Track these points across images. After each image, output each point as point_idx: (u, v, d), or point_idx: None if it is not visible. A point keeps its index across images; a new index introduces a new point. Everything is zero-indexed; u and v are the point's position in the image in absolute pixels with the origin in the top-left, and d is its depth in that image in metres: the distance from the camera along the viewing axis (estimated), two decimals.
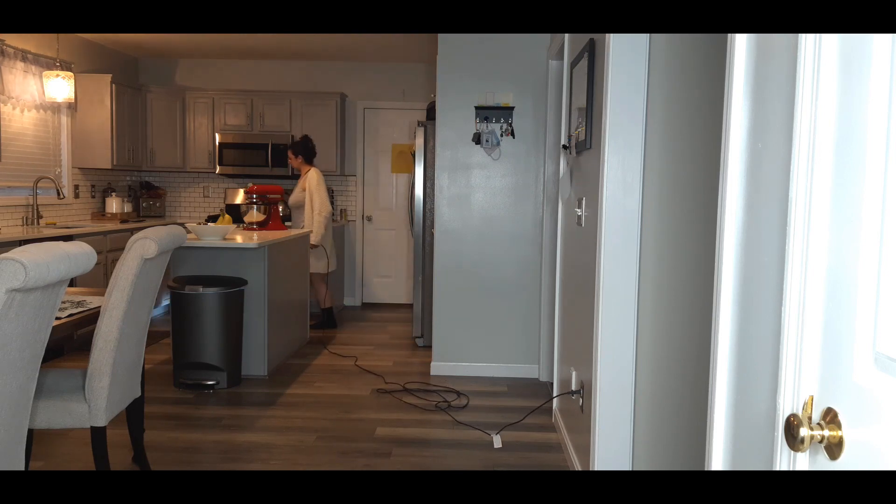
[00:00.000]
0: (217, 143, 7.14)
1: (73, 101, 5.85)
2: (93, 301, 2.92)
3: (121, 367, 2.68)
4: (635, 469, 2.67)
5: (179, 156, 7.24)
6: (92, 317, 2.69)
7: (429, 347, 5.50)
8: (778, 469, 1.12)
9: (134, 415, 3.02)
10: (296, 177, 7.42)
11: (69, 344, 5.13)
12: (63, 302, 2.87)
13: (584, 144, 2.99)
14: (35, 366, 2.16)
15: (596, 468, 2.62)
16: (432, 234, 5.15)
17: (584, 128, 2.99)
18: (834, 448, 0.94)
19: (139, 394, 2.97)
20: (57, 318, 2.52)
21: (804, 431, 0.97)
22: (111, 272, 5.63)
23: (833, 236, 0.98)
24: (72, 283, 4.88)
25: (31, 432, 3.00)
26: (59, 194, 5.58)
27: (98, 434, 2.62)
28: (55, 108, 6.18)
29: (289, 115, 7.20)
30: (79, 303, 2.88)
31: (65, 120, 6.31)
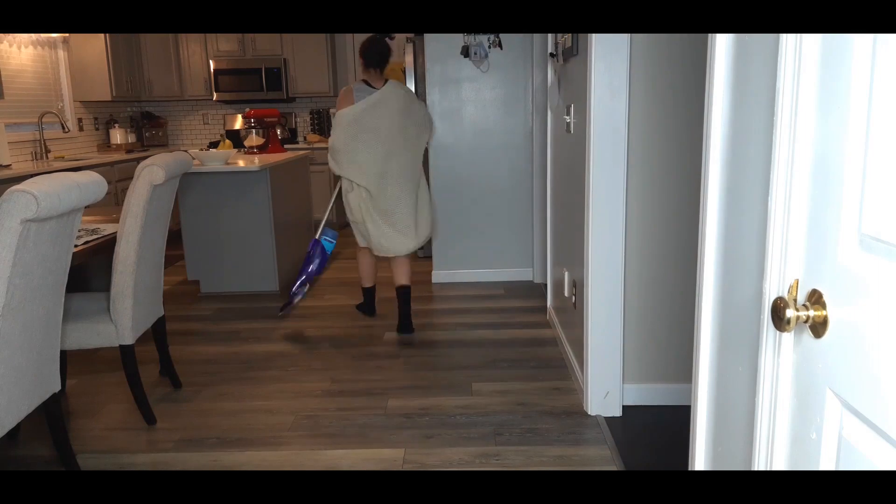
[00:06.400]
0: (212, 70, 6.92)
1: (66, 34, 5.62)
2: (106, 228, 2.90)
3: (141, 288, 2.68)
4: (626, 357, 2.73)
5: (176, 84, 7.04)
6: (107, 243, 2.68)
7: (429, 258, 5.52)
8: (762, 348, 1.13)
9: (158, 332, 3.06)
10: (291, 100, 7.25)
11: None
12: (78, 231, 2.85)
13: (570, 51, 2.89)
14: (59, 291, 2.16)
15: (589, 360, 2.68)
16: (426, 149, 5.07)
17: (570, 34, 2.88)
18: (819, 327, 0.95)
19: (161, 313, 3.00)
20: (74, 246, 2.50)
21: (790, 312, 0.97)
22: (121, 202, 5.58)
23: (820, 121, 0.95)
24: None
25: (64, 353, 3.04)
26: (63, 128, 5.45)
27: (127, 351, 2.65)
28: (51, 43, 5.95)
29: (279, 38, 6.95)
30: (93, 230, 2.86)
31: (62, 54, 6.09)
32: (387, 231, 3.56)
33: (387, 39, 3.57)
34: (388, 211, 3.54)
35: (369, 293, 4.02)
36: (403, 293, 3.75)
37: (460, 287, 4.71)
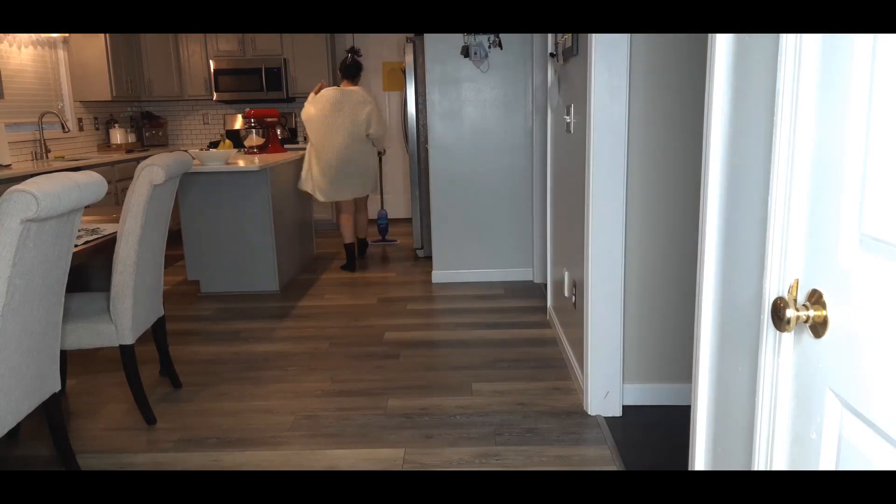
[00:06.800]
0: (212, 70, 6.93)
1: (66, 34, 5.62)
2: (106, 228, 2.90)
3: (141, 289, 2.68)
4: (626, 357, 2.73)
5: (176, 84, 7.04)
6: (107, 243, 2.68)
7: (429, 258, 5.53)
8: (762, 348, 1.13)
9: (159, 332, 3.06)
10: (291, 100, 7.26)
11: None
12: (78, 231, 2.85)
13: (570, 51, 2.89)
14: (59, 291, 2.16)
15: (589, 360, 2.68)
16: (426, 149, 5.07)
17: (570, 34, 2.88)
18: (819, 327, 0.95)
19: (162, 313, 3.00)
20: (74, 246, 2.50)
21: (790, 312, 0.97)
22: (121, 202, 5.58)
23: (820, 121, 0.95)
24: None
25: (64, 353, 3.04)
26: (63, 128, 5.45)
27: (127, 351, 2.65)
28: (51, 42, 5.95)
29: (279, 38, 6.95)
30: (93, 230, 2.86)
31: (62, 54, 6.09)
32: (321, 180, 5.00)
33: (355, 57, 5.07)
34: (326, 167, 4.97)
35: (350, 248, 5.32)
36: (359, 242, 5.59)
37: (460, 287, 4.71)
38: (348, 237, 5.30)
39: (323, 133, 4.93)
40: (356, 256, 5.50)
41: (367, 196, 5.32)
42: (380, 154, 5.61)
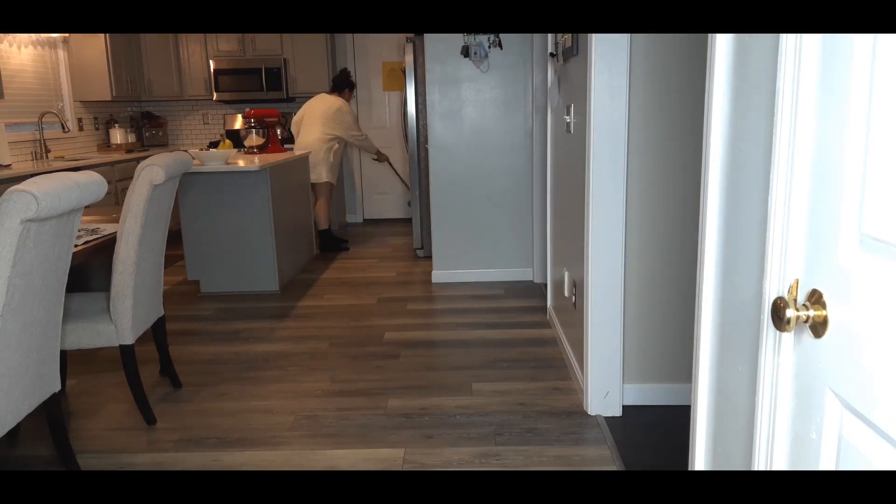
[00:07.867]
0: (212, 70, 6.92)
1: (66, 34, 5.62)
2: (106, 228, 2.90)
3: (141, 289, 2.68)
4: (626, 357, 2.73)
5: (176, 84, 7.04)
6: (107, 243, 2.68)
7: (429, 258, 5.53)
8: (762, 348, 1.13)
9: (159, 332, 3.06)
10: (291, 100, 7.26)
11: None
12: (78, 231, 2.85)
13: (570, 51, 2.89)
14: (59, 291, 2.16)
15: (589, 360, 2.68)
16: (426, 149, 5.07)
17: (570, 34, 2.88)
18: (818, 327, 0.95)
19: (162, 313, 3.00)
20: (74, 246, 2.50)
21: (790, 312, 0.97)
22: (121, 202, 5.58)
23: (820, 121, 0.95)
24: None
25: (64, 353, 3.04)
26: (63, 128, 5.45)
27: (127, 351, 2.65)
28: (51, 42, 5.95)
29: (279, 38, 6.95)
30: (93, 230, 2.86)
31: (62, 54, 6.09)
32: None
33: (349, 77, 5.86)
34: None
35: (327, 232, 5.95)
36: (319, 234, 5.99)
37: (460, 287, 4.71)
38: (324, 222, 5.97)
39: (301, 130, 5.93)
40: (328, 243, 5.96)
41: (325, 187, 5.85)
42: (376, 158, 6.35)
